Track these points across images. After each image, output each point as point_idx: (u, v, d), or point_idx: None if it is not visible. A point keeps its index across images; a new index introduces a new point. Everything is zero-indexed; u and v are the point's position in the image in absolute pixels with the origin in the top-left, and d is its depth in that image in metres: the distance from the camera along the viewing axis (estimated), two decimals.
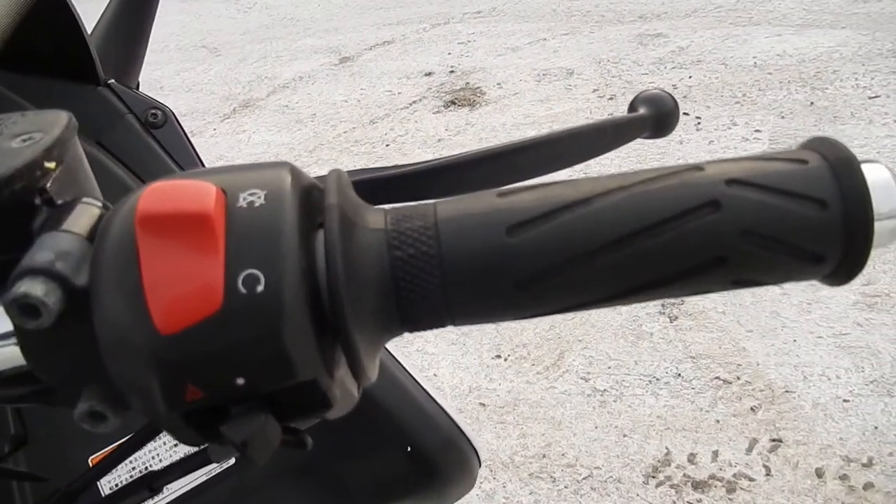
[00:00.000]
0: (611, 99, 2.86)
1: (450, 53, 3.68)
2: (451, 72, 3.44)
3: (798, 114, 2.50)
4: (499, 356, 1.73)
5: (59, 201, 0.24)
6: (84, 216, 0.23)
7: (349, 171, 0.27)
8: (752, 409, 1.48)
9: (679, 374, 1.60)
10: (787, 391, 1.51)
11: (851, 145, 0.23)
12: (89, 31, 0.55)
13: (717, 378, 1.57)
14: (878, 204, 0.22)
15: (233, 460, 0.48)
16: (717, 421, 1.47)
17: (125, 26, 0.64)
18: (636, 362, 1.65)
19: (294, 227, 0.21)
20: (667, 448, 1.43)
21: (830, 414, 1.44)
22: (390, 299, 0.22)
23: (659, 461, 1.41)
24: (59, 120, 0.25)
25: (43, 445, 0.46)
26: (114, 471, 0.48)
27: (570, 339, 1.74)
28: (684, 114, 2.54)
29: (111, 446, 0.47)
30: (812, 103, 2.55)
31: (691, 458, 1.40)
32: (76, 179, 0.26)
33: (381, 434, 0.51)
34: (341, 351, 0.22)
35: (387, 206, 0.24)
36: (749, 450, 1.40)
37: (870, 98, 2.52)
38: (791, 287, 1.74)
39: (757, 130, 2.45)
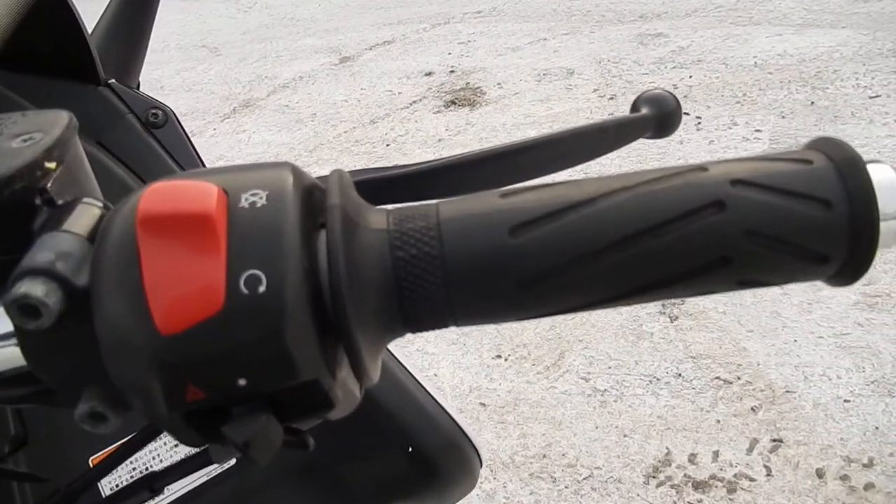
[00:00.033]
0: (611, 99, 2.86)
1: (450, 53, 3.68)
2: (452, 72, 3.44)
3: (799, 113, 2.50)
4: (499, 356, 1.73)
5: (60, 201, 0.24)
6: (85, 216, 0.23)
7: (351, 171, 0.27)
8: (752, 409, 1.48)
9: (680, 374, 1.60)
10: (787, 391, 1.51)
11: (852, 145, 0.23)
12: (90, 31, 0.55)
13: (717, 378, 1.57)
14: (884, 204, 0.22)
15: (233, 461, 0.48)
16: (718, 421, 1.47)
17: (126, 26, 0.64)
18: (637, 362, 1.65)
19: (296, 227, 0.21)
20: (667, 448, 1.43)
21: (831, 414, 1.44)
22: (392, 300, 0.22)
23: (659, 461, 1.41)
24: (59, 120, 0.25)
25: (43, 446, 0.46)
26: (114, 471, 0.48)
27: (571, 339, 1.74)
28: (684, 113, 2.53)
29: (112, 447, 0.47)
30: (813, 103, 2.55)
31: (692, 459, 1.40)
32: (77, 179, 0.26)
33: (383, 434, 0.51)
34: (343, 351, 0.22)
35: (389, 207, 0.24)
36: (750, 450, 1.40)
37: (870, 98, 2.52)
38: (792, 287, 1.74)
39: (757, 130, 2.45)
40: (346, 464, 0.51)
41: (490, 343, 1.77)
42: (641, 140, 0.39)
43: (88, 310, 0.21)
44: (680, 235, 0.21)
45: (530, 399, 1.60)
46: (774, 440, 1.41)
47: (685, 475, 1.38)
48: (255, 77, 3.85)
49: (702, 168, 0.23)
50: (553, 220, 0.22)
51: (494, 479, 1.44)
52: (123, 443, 0.37)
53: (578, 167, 0.35)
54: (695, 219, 0.22)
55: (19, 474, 0.45)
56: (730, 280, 0.22)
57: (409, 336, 0.25)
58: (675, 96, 0.37)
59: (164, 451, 0.49)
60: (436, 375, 1.72)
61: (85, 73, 0.54)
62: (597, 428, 1.51)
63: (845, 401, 1.46)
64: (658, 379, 1.60)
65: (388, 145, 2.84)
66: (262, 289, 0.20)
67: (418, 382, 0.53)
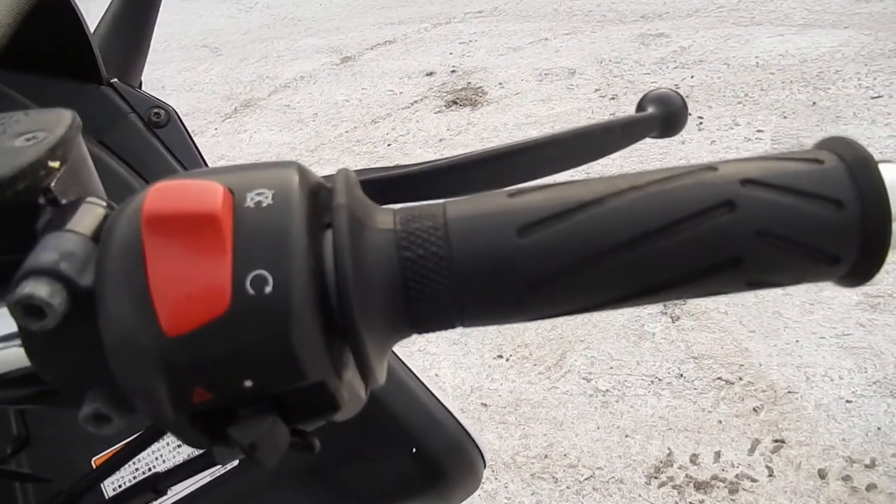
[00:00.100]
0: (612, 99, 2.86)
1: (451, 53, 3.68)
2: (453, 71, 3.43)
3: (800, 114, 2.50)
4: (501, 356, 1.73)
5: (64, 201, 0.24)
6: (88, 216, 0.23)
7: (356, 171, 0.26)
8: (754, 409, 1.48)
9: (681, 375, 1.59)
10: (789, 392, 1.50)
11: None
12: (92, 30, 0.55)
13: (719, 378, 1.57)
14: None
15: (236, 461, 0.48)
16: (720, 421, 1.47)
17: (128, 25, 0.64)
18: (638, 363, 1.65)
19: (302, 227, 0.20)
20: (669, 448, 1.43)
21: (833, 415, 1.43)
22: (399, 300, 0.22)
23: (661, 462, 1.41)
24: (62, 119, 0.25)
25: (45, 446, 0.46)
26: (117, 472, 0.47)
27: (572, 340, 1.74)
28: None
29: (115, 447, 0.47)
30: (814, 103, 2.54)
31: (693, 459, 1.40)
32: (80, 179, 0.26)
33: (387, 435, 0.51)
34: (349, 352, 0.22)
35: (395, 206, 0.24)
36: (751, 450, 1.40)
37: (872, 98, 2.51)
38: (793, 287, 1.73)
39: (759, 130, 2.44)
40: (350, 465, 0.51)
41: (491, 343, 1.77)
42: (644, 139, 0.39)
43: (93, 310, 0.20)
44: (690, 236, 0.21)
45: (532, 399, 1.60)
46: (776, 441, 1.41)
47: (687, 476, 1.37)
48: (257, 77, 3.85)
49: (711, 168, 0.22)
50: (561, 220, 0.22)
51: (496, 479, 1.44)
52: (127, 443, 0.37)
53: (583, 167, 0.35)
54: (705, 219, 0.21)
55: (22, 475, 0.45)
56: (739, 281, 0.22)
57: (411, 336, 0.24)
58: (680, 96, 0.37)
59: (167, 451, 0.49)
60: (437, 376, 1.72)
61: (87, 72, 0.54)
62: (598, 428, 1.50)
63: (847, 401, 1.46)
64: (660, 379, 1.59)
65: (389, 145, 2.84)
66: (268, 289, 0.20)
67: (422, 383, 0.53)
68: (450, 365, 1.73)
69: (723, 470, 1.37)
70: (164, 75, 4.04)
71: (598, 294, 0.22)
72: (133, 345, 0.20)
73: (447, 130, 2.86)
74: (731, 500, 1.32)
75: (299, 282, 0.20)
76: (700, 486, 1.35)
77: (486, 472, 1.46)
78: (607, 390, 1.59)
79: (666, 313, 1.76)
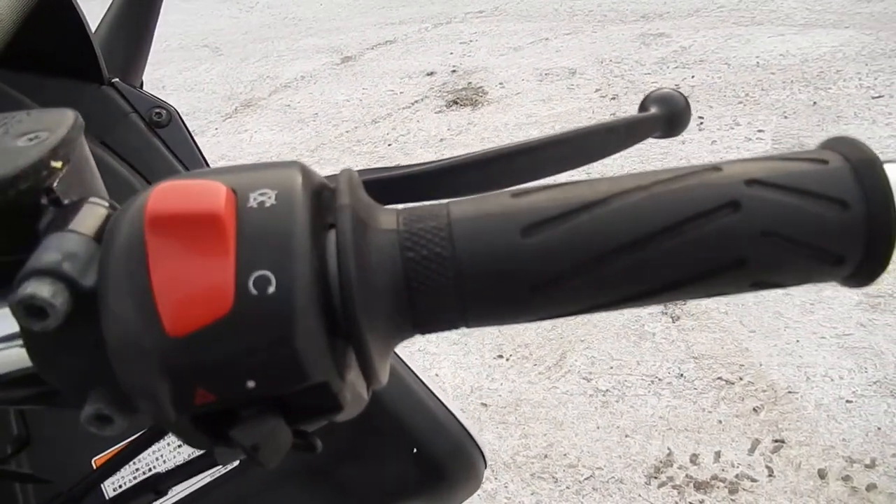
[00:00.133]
0: (613, 99, 2.86)
1: (452, 53, 3.68)
2: (453, 71, 3.43)
3: (801, 114, 2.50)
4: (501, 356, 1.73)
5: (66, 201, 0.24)
6: (91, 216, 0.23)
7: (359, 171, 0.26)
8: (754, 409, 1.48)
9: (681, 375, 1.59)
10: (789, 392, 1.50)
11: None
12: (93, 30, 0.55)
13: (719, 378, 1.57)
14: None
15: (237, 462, 0.48)
16: (720, 421, 1.47)
17: (129, 24, 0.64)
18: (638, 362, 1.65)
19: (306, 227, 0.20)
20: (669, 448, 1.43)
21: (833, 415, 1.43)
22: (403, 301, 0.22)
23: (661, 462, 1.41)
24: (65, 119, 0.25)
25: (46, 447, 0.46)
26: (117, 472, 0.47)
27: (573, 339, 1.74)
28: None
29: (115, 447, 0.47)
30: (815, 103, 2.54)
31: (693, 459, 1.40)
32: (82, 179, 0.26)
33: (387, 436, 0.51)
34: (352, 353, 0.22)
35: (399, 207, 0.24)
36: (751, 450, 1.40)
37: (873, 98, 2.51)
38: (794, 287, 1.73)
39: (760, 130, 2.44)
40: (351, 465, 0.51)
41: (491, 343, 1.77)
42: (646, 140, 0.38)
43: (95, 311, 0.20)
44: (695, 236, 0.21)
45: (532, 399, 1.60)
46: (776, 441, 1.41)
47: (687, 476, 1.37)
48: (257, 77, 3.85)
49: (716, 168, 0.22)
50: (566, 220, 0.22)
51: (496, 479, 1.44)
52: (127, 444, 0.37)
53: (585, 167, 0.35)
54: (710, 219, 0.21)
55: (22, 475, 0.45)
56: (744, 281, 0.22)
57: (414, 337, 0.24)
58: (683, 95, 0.37)
59: (167, 451, 0.48)
60: (437, 376, 1.71)
61: (88, 71, 0.54)
62: (598, 428, 1.50)
63: (847, 401, 1.46)
64: (660, 379, 1.59)
65: (389, 145, 2.84)
66: (271, 290, 0.20)
67: (423, 383, 0.53)
68: (450, 365, 1.73)
69: (723, 470, 1.37)
70: (164, 75, 4.04)
71: (603, 295, 0.22)
72: (135, 346, 0.20)
73: (448, 130, 2.86)
74: (731, 500, 1.32)
75: (303, 283, 0.20)
76: (700, 486, 1.35)
77: (486, 472, 1.46)
78: (607, 390, 1.59)
79: (666, 313, 1.76)
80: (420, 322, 0.23)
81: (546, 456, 1.46)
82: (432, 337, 1.81)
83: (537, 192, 0.23)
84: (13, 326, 0.22)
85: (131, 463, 0.48)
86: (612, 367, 1.64)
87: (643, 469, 1.40)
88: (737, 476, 1.36)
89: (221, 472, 0.49)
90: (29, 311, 0.20)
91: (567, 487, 1.40)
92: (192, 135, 0.56)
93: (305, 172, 0.22)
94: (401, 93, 3.31)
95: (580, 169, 0.34)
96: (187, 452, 0.49)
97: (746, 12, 3.50)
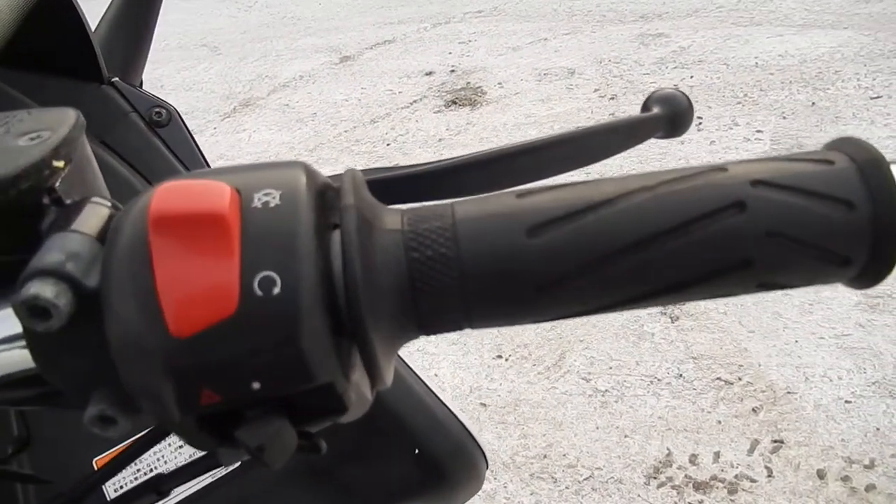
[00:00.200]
0: (612, 99, 2.86)
1: (450, 53, 3.68)
2: (452, 71, 3.43)
3: (800, 114, 2.50)
4: (500, 356, 1.73)
5: (68, 201, 0.24)
6: (93, 216, 0.23)
7: (362, 171, 0.26)
8: (753, 409, 1.48)
9: (680, 375, 1.59)
10: (788, 392, 1.50)
11: None
12: (93, 29, 0.55)
13: (718, 379, 1.57)
14: None
15: (239, 462, 0.48)
16: (719, 422, 1.47)
17: (129, 24, 0.64)
18: (637, 363, 1.65)
19: (310, 228, 0.20)
20: (668, 449, 1.43)
21: (832, 415, 1.44)
22: (407, 301, 0.22)
23: (660, 462, 1.41)
24: (66, 118, 0.25)
25: (46, 447, 0.46)
26: (118, 473, 0.47)
27: (572, 340, 1.74)
28: None
29: (116, 448, 0.47)
30: (814, 104, 2.55)
31: (693, 459, 1.40)
32: (84, 179, 0.25)
33: (389, 436, 0.51)
34: (357, 354, 0.22)
35: (403, 207, 0.24)
36: (751, 451, 1.40)
37: (871, 98, 2.51)
38: (798, 288, 1.74)
39: (758, 131, 2.45)
40: (353, 465, 0.51)
41: (491, 343, 1.77)
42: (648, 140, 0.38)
43: (98, 311, 0.20)
44: (700, 237, 0.21)
45: (531, 399, 1.60)
46: (775, 441, 1.41)
47: (686, 476, 1.37)
48: (256, 76, 3.85)
49: (721, 168, 0.22)
50: (571, 220, 0.22)
51: (495, 479, 1.44)
52: (128, 445, 0.37)
53: (586, 167, 0.35)
54: (715, 220, 0.21)
55: (23, 476, 0.45)
56: (750, 282, 0.22)
57: (418, 337, 0.24)
58: (686, 96, 0.37)
59: (168, 452, 0.48)
60: (436, 376, 1.71)
61: (88, 71, 0.54)
62: (598, 428, 1.50)
63: (846, 402, 1.46)
64: (659, 379, 1.59)
65: (388, 145, 2.83)
66: (276, 291, 0.19)
67: (423, 383, 0.52)
68: (449, 365, 1.73)
69: (722, 470, 1.37)
70: (163, 74, 4.04)
71: (608, 295, 0.22)
72: (140, 346, 0.20)
73: (446, 130, 2.86)
74: (731, 500, 1.32)
75: (308, 283, 0.20)
76: (699, 487, 1.35)
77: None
78: (606, 390, 1.59)
79: (665, 313, 1.76)
80: (425, 323, 0.23)
81: (545, 456, 1.46)
82: (431, 337, 1.80)
83: (542, 193, 0.23)
84: (16, 327, 0.22)
85: (132, 464, 0.47)
86: (611, 368, 1.64)
87: (642, 469, 1.40)
88: (736, 476, 1.36)
89: (223, 473, 0.48)
90: (32, 311, 0.20)
91: (566, 487, 1.40)
92: (193, 134, 0.56)
93: (309, 172, 0.22)
94: (399, 92, 3.31)
95: (580, 169, 0.34)
96: (188, 453, 0.49)
97: (745, 13, 3.50)
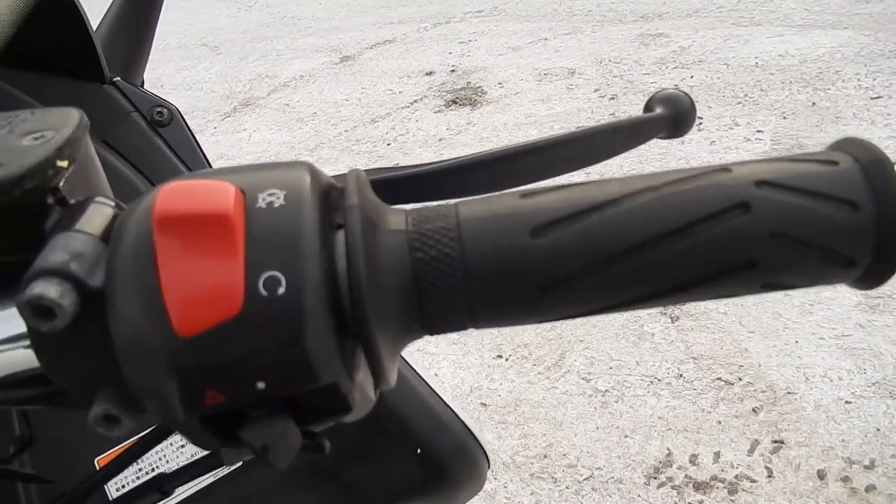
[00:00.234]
0: (612, 99, 2.86)
1: (451, 53, 3.68)
2: (453, 71, 3.43)
3: (800, 114, 2.50)
4: (500, 356, 1.73)
5: (72, 201, 0.24)
6: (97, 216, 0.23)
7: (366, 171, 0.26)
8: (753, 410, 1.48)
9: (681, 375, 1.59)
10: (788, 392, 1.50)
11: None
12: (94, 28, 0.55)
13: (718, 379, 1.57)
14: None
15: (241, 461, 0.48)
16: (719, 422, 1.47)
17: (130, 23, 0.64)
18: (638, 363, 1.65)
19: (315, 228, 0.20)
20: (668, 449, 1.43)
21: (832, 416, 1.44)
22: (412, 302, 0.22)
23: (660, 462, 1.41)
24: (70, 118, 0.25)
25: (48, 447, 0.46)
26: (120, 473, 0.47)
27: (572, 340, 1.74)
28: None
29: (118, 447, 0.47)
30: (814, 104, 2.55)
31: (693, 459, 1.40)
32: (88, 179, 0.25)
33: (392, 436, 0.51)
34: (361, 354, 0.22)
35: (407, 207, 0.24)
36: (751, 451, 1.40)
37: (872, 99, 2.51)
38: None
39: (759, 131, 2.45)
40: (355, 465, 0.51)
41: (491, 343, 1.77)
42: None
43: (103, 311, 0.20)
44: (705, 237, 0.21)
45: (531, 399, 1.60)
46: (776, 441, 1.41)
47: (686, 476, 1.37)
48: (256, 76, 3.85)
49: (725, 169, 0.22)
50: (575, 221, 0.22)
51: (495, 479, 1.44)
52: (130, 444, 0.37)
53: (586, 168, 0.35)
54: (720, 220, 0.21)
55: (25, 475, 0.45)
56: (755, 283, 0.22)
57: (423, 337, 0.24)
58: (689, 96, 0.37)
59: (170, 451, 0.48)
60: (436, 375, 1.71)
61: (90, 70, 0.54)
62: (598, 428, 1.50)
63: (847, 402, 1.46)
64: (659, 380, 1.59)
65: (388, 144, 2.83)
66: (281, 291, 0.19)
67: (426, 383, 0.52)
68: (449, 365, 1.73)
69: (722, 470, 1.37)
70: (163, 74, 4.04)
71: (613, 296, 0.22)
72: (144, 346, 0.20)
73: (447, 130, 2.86)
74: (731, 500, 1.32)
75: (313, 283, 0.20)
76: (699, 487, 1.35)
77: None
78: (607, 390, 1.59)
79: (665, 313, 1.77)
80: (429, 323, 0.23)
81: (545, 456, 1.46)
82: (431, 337, 1.80)
83: (546, 193, 0.23)
84: (19, 327, 0.22)
85: (134, 463, 0.47)
86: (611, 368, 1.65)
87: (642, 469, 1.40)
88: (736, 476, 1.36)
89: (225, 472, 0.48)
90: (37, 311, 0.20)
91: (566, 487, 1.40)
92: (194, 134, 0.56)
93: (313, 172, 0.22)
94: (400, 92, 3.31)
95: (581, 170, 0.34)
96: (190, 452, 0.49)
97: (745, 13, 3.50)
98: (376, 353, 0.21)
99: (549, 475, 1.43)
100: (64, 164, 0.23)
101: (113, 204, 0.24)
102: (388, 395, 0.50)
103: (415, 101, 3.18)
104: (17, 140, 0.24)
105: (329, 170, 0.24)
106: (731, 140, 2.42)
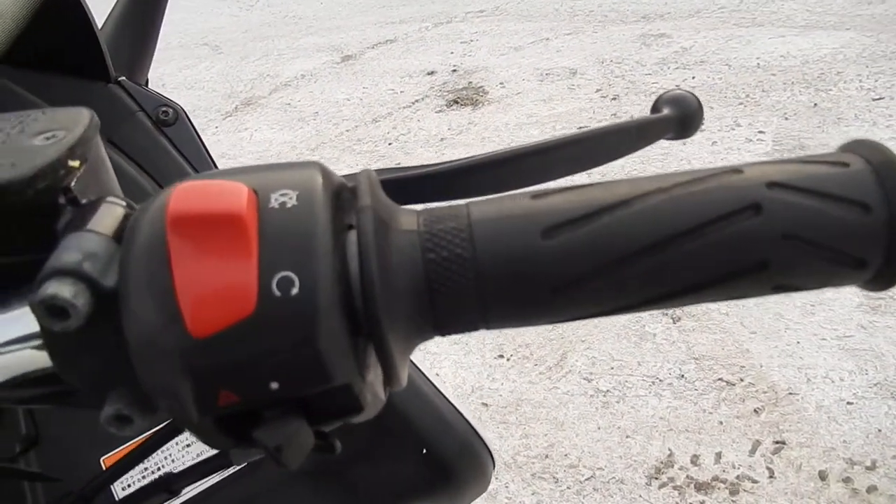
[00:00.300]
0: (614, 99, 2.86)
1: (452, 52, 3.68)
2: (454, 71, 3.43)
3: (802, 115, 2.50)
4: (501, 356, 1.73)
5: (83, 200, 0.24)
6: (109, 216, 0.23)
7: (376, 171, 0.26)
8: (755, 410, 1.48)
9: (682, 376, 1.59)
10: (790, 393, 1.50)
11: None
12: (99, 27, 0.55)
13: (720, 379, 1.57)
14: None
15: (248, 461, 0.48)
16: (721, 422, 1.47)
17: (135, 22, 0.64)
18: (639, 363, 1.65)
19: (327, 228, 0.20)
20: (670, 449, 1.43)
21: (834, 416, 1.44)
22: (424, 302, 0.22)
23: (662, 462, 1.41)
24: (81, 118, 0.25)
25: (54, 445, 0.46)
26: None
27: (573, 340, 1.74)
28: None
29: (123, 446, 0.47)
30: (816, 105, 2.55)
31: (694, 460, 1.40)
32: (99, 179, 0.25)
33: (397, 436, 0.51)
34: (373, 354, 0.22)
35: (418, 207, 0.24)
36: (752, 452, 1.40)
37: (874, 100, 2.51)
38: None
39: (760, 132, 2.44)
40: (361, 465, 0.51)
41: (492, 343, 1.77)
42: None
43: (116, 311, 0.20)
44: (716, 239, 0.21)
45: (532, 399, 1.60)
46: (777, 442, 1.41)
47: (687, 476, 1.37)
48: (257, 75, 3.85)
49: (736, 170, 0.22)
50: (587, 222, 0.22)
51: (496, 479, 1.44)
52: (137, 443, 0.37)
53: (589, 169, 0.35)
54: (731, 222, 0.21)
55: (31, 474, 0.45)
56: (766, 284, 0.22)
57: (434, 338, 0.24)
58: (696, 97, 0.37)
59: (176, 450, 0.48)
60: (437, 375, 1.71)
61: (95, 69, 0.54)
62: (599, 429, 1.50)
63: (848, 403, 1.46)
64: (660, 380, 1.59)
65: (390, 144, 2.83)
66: (294, 291, 0.19)
67: (431, 383, 0.52)
68: (451, 364, 1.73)
69: (723, 471, 1.37)
70: (164, 73, 4.04)
71: (624, 297, 0.22)
72: (158, 346, 0.20)
73: (448, 130, 2.86)
74: (732, 500, 1.32)
75: (326, 284, 0.20)
76: (701, 487, 1.35)
77: None
78: (608, 391, 1.59)
79: (667, 314, 1.77)
80: (440, 323, 0.23)
81: (547, 456, 1.47)
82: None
83: (557, 194, 0.23)
84: (30, 326, 0.22)
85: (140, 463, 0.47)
86: (612, 368, 1.65)
87: (644, 470, 1.40)
88: (737, 477, 1.36)
89: (231, 472, 0.48)
90: (50, 311, 0.20)
91: (568, 488, 1.40)
92: (199, 134, 0.56)
93: (325, 173, 0.22)
94: (401, 92, 3.31)
95: (584, 171, 0.34)
96: (196, 452, 0.49)
97: (747, 13, 3.50)
98: (388, 354, 0.21)
99: (550, 475, 1.43)
100: (75, 163, 0.24)
101: (124, 204, 0.24)
102: (394, 395, 0.50)
103: (416, 100, 3.18)
104: (29, 140, 0.24)
105: (360, 171, 0.24)
106: (732, 141, 2.42)
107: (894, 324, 1.63)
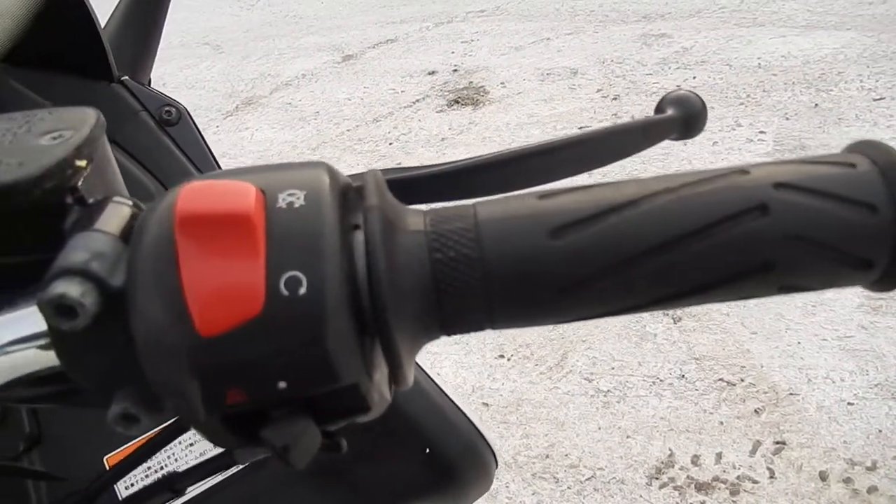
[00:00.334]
0: (614, 99, 2.86)
1: (453, 52, 3.68)
2: (455, 70, 3.43)
3: (803, 115, 2.50)
4: (502, 356, 1.73)
5: (90, 200, 0.24)
6: (116, 216, 0.23)
7: (382, 171, 0.26)
8: (755, 411, 1.48)
9: (683, 376, 1.60)
10: (791, 393, 1.50)
11: None
12: (102, 26, 0.55)
13: (720, 380, 1.57)
14: None
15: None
16: (721, 423, 1.47)
17: (137, 21, 0.64)
18: (640, 363, 1.65)
19: (335, 228, 0.20)
20: (670, 449, 1.43)
21: (835, 417, 1.44)
22: (430, 302, 0.22)
23: (662, 462, 1.41)
24: (87, 117, 0.25)
25: (58, 444, 0.46)
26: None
27: (574, 340, 1.74)
28: None
29: (127, 445, 0.47)
30: (817, 105, 2.55)
31: (695, 460, 1.40)
32: (105, 178, 0.25)
33: (400, 436, 0.51)
34: (380, 354, 0.22)
35: (424, 207, 0.24)
36: (753, 452, 1.40)
37: (874, 100, 2.51)
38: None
39: (761, 132, 2.44)
40: (363, 465, 0.51)
41: (493, 343, 1.77)
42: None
43: (124, 311, 0.20)
44: (723, 239, 0.21)
45: (533, 399, 1.60)
46: (778, 442, 1.41)
47: (688, 477, 1.37)
48: (258, 75, 3.85)
49: (743, 171, 0.22)
50: (594, 222, 0.22)
51: (497, 479, 1.44)
52: (140, 443, 0.37)
53: (594, 169, 0.35)
54: (738, 222, 0.21)
55: (35, 473, 0.45)
56: (772, 285, 0.22)
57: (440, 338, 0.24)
58: (700, 97, 0.37)
59: (179, 450, 0.48)
60: (438, 375, 1.71)
61: (98, 69, 0.54)
62: (600, 429, 1.50)
63: (849, 403, 1.46)
64: (661, 380, 1.59)
65: (391, 144, 2.83)
66: (302, 291, 0.20)
67: (434, 382, 0.53)
68: (451, 364, 1.73)
69: (724, 471, 1.37)
70: (165, 73, 4.04)
71: (631, 297, 0.22)
72: (166, 345, 0.20)
73: (449, 129, 2.86)
74: (733, 501, 1.32)
75: (333, 283, 0.20)
76: (701, 488, 1.35)
77: None
78: (609, 391, 1.59)
79: (668, 314, 1.77)
80: (447, 323, 0.23)
81: (547, 456, 1.47)
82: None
83: (564, 195, 0.23)
84: (38, 325, 0.22)
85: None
86: (613, 368, 1.65)
87: (644, 470, 1.40)
88: (738, 477, 1.36)
89: (233, 471, 0.49)
90: (59, 310, 0.20)
91: (568, 488, 1.40)
92: (202, 133, 0.56)
93: (332, 173, 0.22)
94: (402, 92, 3.31)
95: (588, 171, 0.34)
96: (199, 451, 0.49)
97: (748, 13, 3.50)
98: (396, 354, 0.21)
99: (550, 475, 1.43)
100: (82, 163, 0.24)
101: (131, 203, 0.24)
102: (397, 394, 0.50)
103: (417, 100, 3.18)
104: (36, 140, 0.24)
105: (366, 170, 0.25)
106: (733, 141, 2.42)
107: (895, 324, 1.63)
